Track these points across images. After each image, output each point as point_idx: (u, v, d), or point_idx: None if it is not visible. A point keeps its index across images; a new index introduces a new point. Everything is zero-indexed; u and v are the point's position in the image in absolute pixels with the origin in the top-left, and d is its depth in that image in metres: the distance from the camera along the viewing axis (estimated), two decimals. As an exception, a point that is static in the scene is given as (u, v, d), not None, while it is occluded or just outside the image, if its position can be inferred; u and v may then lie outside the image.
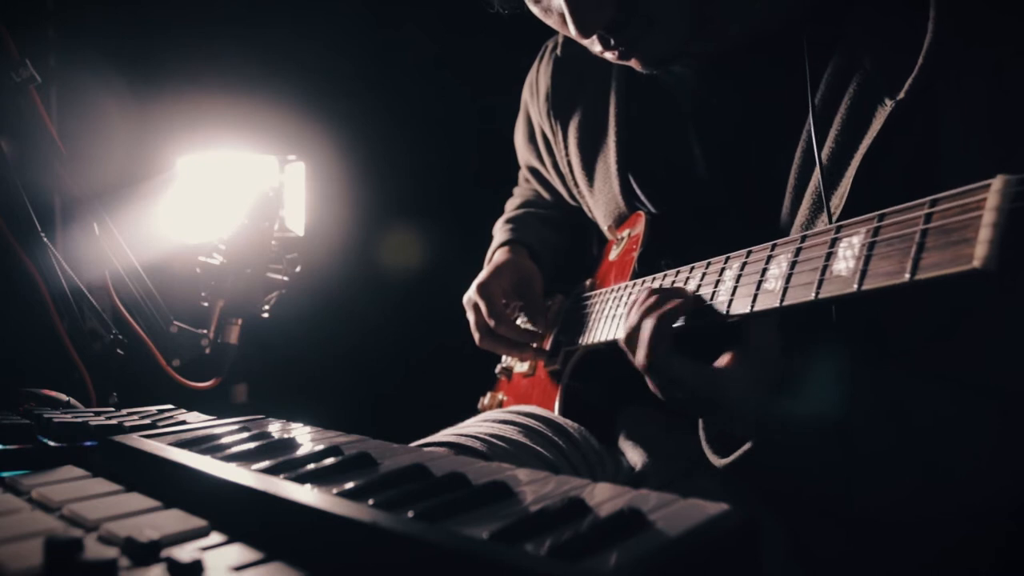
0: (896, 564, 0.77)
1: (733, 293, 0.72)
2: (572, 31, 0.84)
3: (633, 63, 0.88)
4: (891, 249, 0.55)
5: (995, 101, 0.70)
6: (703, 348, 0.78)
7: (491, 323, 1.17)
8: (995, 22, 0.72)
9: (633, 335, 0.79)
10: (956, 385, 0.73)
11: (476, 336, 1.21)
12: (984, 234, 0.47)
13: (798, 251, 0.65)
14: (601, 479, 0.47)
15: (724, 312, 0.72)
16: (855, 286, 0.57)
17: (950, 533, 0.76)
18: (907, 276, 0.52)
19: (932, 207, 0.53)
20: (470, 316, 1.22)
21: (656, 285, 0.89)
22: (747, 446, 0.74)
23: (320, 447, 0.56)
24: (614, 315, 0.98)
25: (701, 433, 0.81)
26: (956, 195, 0.51)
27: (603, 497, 0.42)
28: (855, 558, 0.78)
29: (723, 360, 0.76)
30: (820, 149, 0.80)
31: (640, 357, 0.77)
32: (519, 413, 1.09)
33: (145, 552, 0.38)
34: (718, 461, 0.78)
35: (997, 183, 0.48)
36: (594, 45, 0.88)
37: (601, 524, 0.38)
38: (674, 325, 0.78)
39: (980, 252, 0.47)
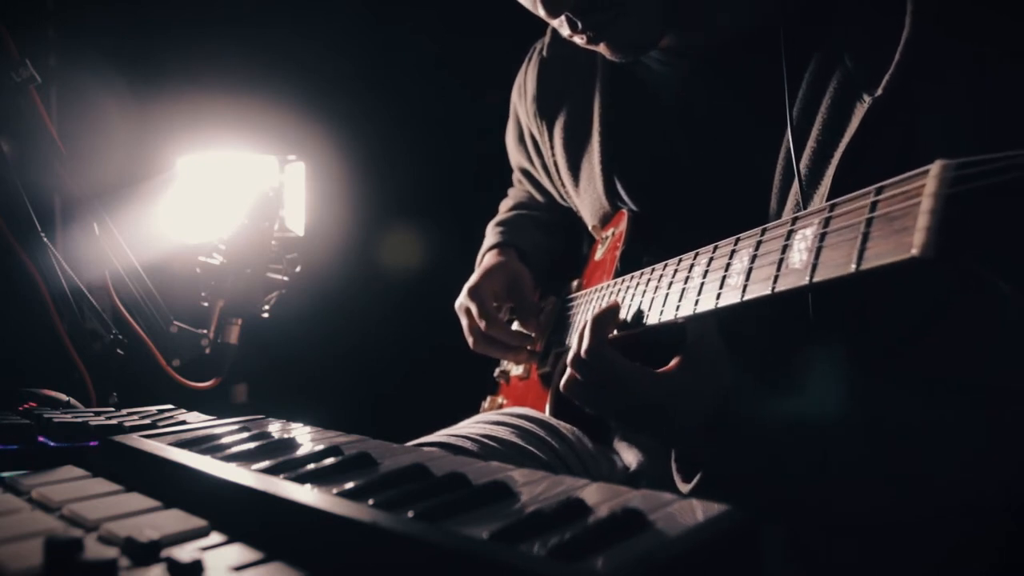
0: (898, 565, 0.77)
1: (700, 290, 0.72)
2: (540, 11, 0.84)
3: (602, 48, 0.88)
4: (840, 239, 0.54)
5: (975, 98, 0.70)
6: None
7: (482, 325, 1.17)
8: (974, 18, 0.72)
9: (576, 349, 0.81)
10: (942, 385, 0.73)
11: (469, 340, 1.21)
12: (922, 221, 0.46)
13: (758, 244, 0.65)
14: (596, 480, 0.47)
15: (692, 311, 0.72)
16: (807, 278, 0.57)
17: (951, 533, 0.76)
18: (853, 267, 0.52)
19: (878, 195, 0.52)
20: (462, 321, 1.22)
21: (629, 285, 0.90)
22: (700, 475, 0.75)
23: (320, 447, 0.56)
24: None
25: (672, 463, 0.81)
26: (900, 182, 0.50)
27: (603, 497, 0.42)
28: (856, 559, 0.78)
29: (668, 366, 0.77)
30: (800, 149, 0.80)
31: (582, 349, 0.79)
32: (512, 414, 1.09)
33: (145, 552, 0.38)
34: (684, 488, 0.78)
35: (935, 168, 0.47)
36: (563, 28, 0.88)
37: (601, 524, 0.38)
38: (645, 325, 0.79)
39: (918, 239, 0.46)
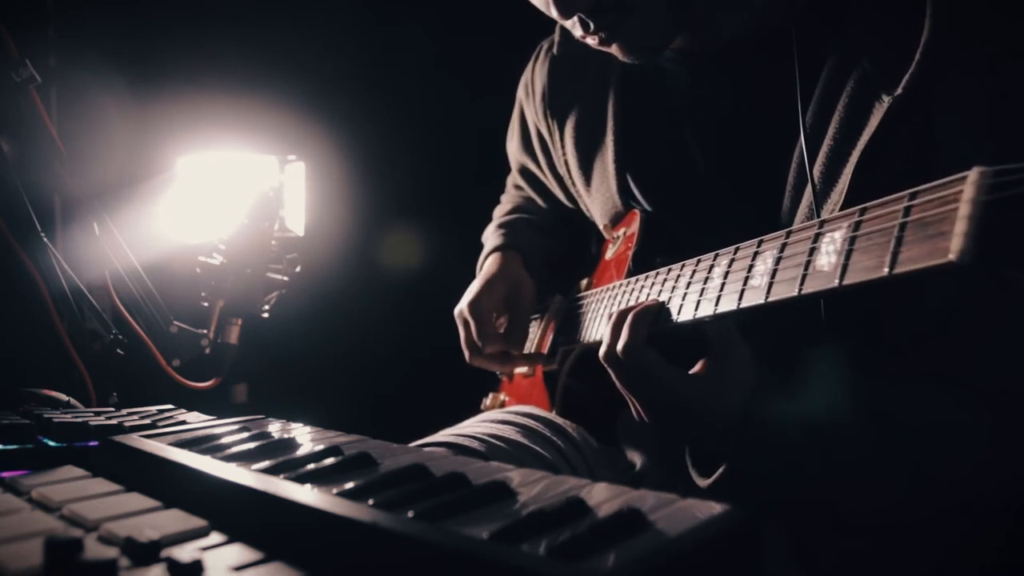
0: (898, 564, 0.77)
1: (721, 290, 0.72)
2: (553, 11, 0.84)
3: (614, 50, 0.88)
4: (871, 243, 0.55)
5: (993, 99, 0.70)
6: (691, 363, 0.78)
7: (480, 344, 1.17)
8: (993, 21, 0.72)
9: (612, 342, 0.79)
10: (947, 385, 0.73)
11: (466, 354, 1.21)
12: (960, 227, 0.47)
13: (783, 247, 0.65)
14: (600, 479, 0.47)
15: (712, 312, 0.72)
16: (836, 281, 0.57)
17: (951, 533, 0.76)
18: (886, 270, 0.52)
19: (911, 200, 0.52)
20: (460, 332, 1.21)
21: (644, 285, 0.89)
22: (723, 468, 0.74)
23: (320, 447, 0.56)
24: (608, 314, 0.98)
25: (687, 457, 0.81)
26: (934, 187, 0.51)
27: (603, 497, 0.42)
28: (858, 560, 0.78)
29: (695, 367, 0.76)
30: (815, 149, 0.80)
31: (619, 346, 0.77)
32: (518, 413, 1.09)
33: (145, 552, 0.38)
34: (702, 483, 0.78)
35: (973, 175, 0.48)
36: (575, 28, 0.88)
37: (601, 524, 0.38)
38: (665, 324, 0.79)
39: (956, 245, 0.47)
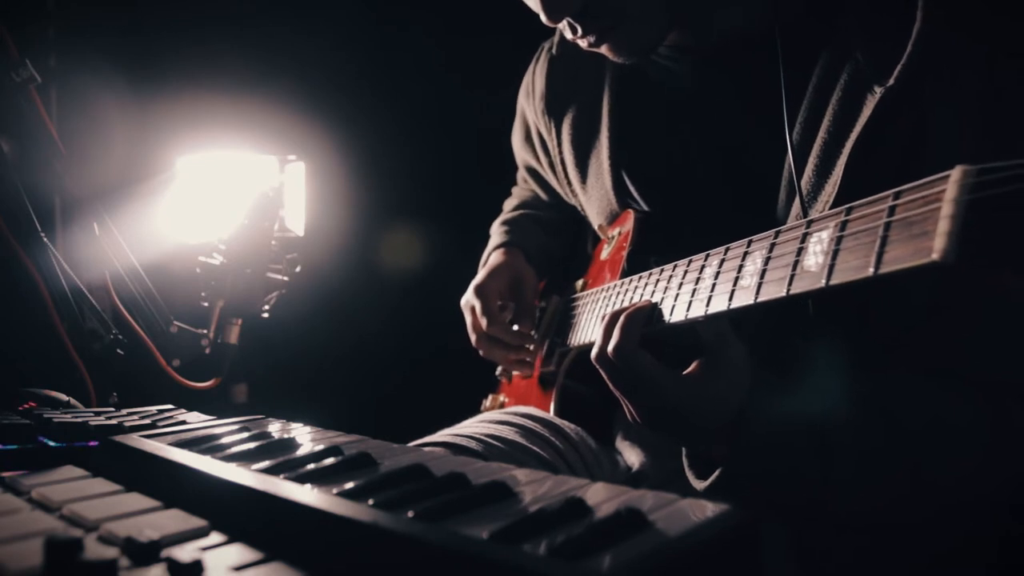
0: (898, 564, 0.77)
1: (712, 290, 0.71)
2: (542, 16, 0.85)
3: (604, 51, 0.89)
4: (857, 243, 0.55)
5: (986, 96, 0.70)
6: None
7: (483, 323, 1.18)
8: (986, 19, 0.72)
9: (604, 344, 0.79)
10: (944, 379, 0.73)
11: (472, 338, 1.22)
12: (942, 226, 0.47)
13: (772, 247, 0.65)
14: (599, 479, 0.47)
15: (703, 312, 0.72)
16: (823, 281, 0.57)
17: (952, 532, 0.76)
18: (871, 270, 0.52)
19: (896, 199, 0.52)
20: (467, 318, 1.23)
21: (637, 285, 0.89)
22: (719, 471, 0.74)
23: (320, 447, 0.57)
24: (601, 316, 0.98)
25: (684, 459, 0.81)
26: (918, 187, 0.51)
27: (603, 497, 0.42)
28: (858, 560, 0.78)
29: (689, 368, 0.76)
30: (809, 141, 0.80)
31: (610, 347, 0.77)
32: (516, 414, 1.09)
33: (145, 552, 0.38)
34: (699, 485, 0.78)
35: (956, 174, 0.47)
36: (565, 31, 0.89)
37: (601, 524, 0.38)
38: (658, 325, 0.78)
39: (939, 245, 0.47)
